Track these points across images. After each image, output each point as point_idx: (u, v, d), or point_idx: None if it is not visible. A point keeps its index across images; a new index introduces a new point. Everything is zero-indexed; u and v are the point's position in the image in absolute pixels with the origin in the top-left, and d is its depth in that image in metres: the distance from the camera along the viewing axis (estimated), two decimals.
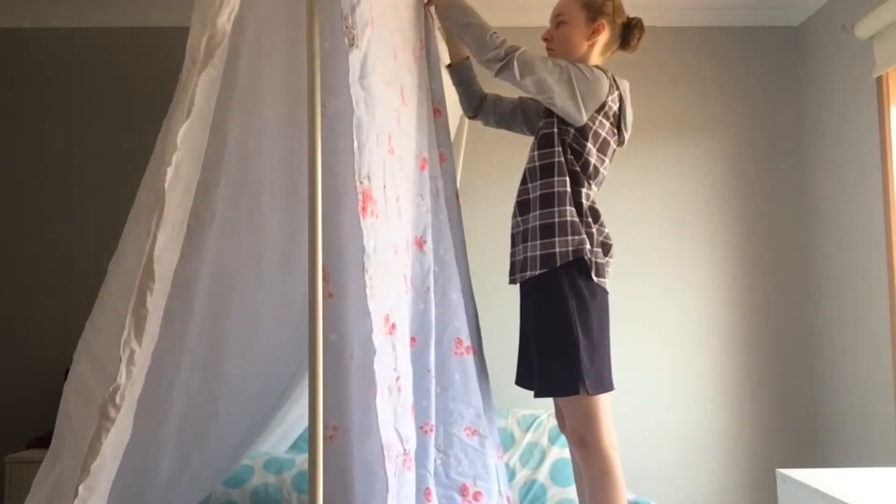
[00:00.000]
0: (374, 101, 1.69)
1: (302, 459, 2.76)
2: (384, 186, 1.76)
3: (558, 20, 2.21)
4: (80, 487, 1.33)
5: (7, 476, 2.93)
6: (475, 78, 2.41)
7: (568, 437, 2.18)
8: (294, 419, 2.93)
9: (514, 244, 2.20)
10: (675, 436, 3.46)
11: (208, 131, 1.60)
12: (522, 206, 2.17)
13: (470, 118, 2.49)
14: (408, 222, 2.00)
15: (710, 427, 3.47)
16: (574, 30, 2.17)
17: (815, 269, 3.53)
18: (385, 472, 1.55)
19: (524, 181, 2.17)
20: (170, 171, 1.37)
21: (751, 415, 3.48)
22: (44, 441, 3.04)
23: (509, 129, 2.43)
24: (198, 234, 2.01)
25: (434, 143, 2.19)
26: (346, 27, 1.63)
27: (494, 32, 2.10)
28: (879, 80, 3.02)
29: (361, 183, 1.61)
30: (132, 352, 1.34)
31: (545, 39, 2.25)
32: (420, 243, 2.07)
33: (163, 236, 1.38)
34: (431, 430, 1.99)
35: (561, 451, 2.94)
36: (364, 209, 1.61)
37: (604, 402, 2.05)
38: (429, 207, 2.11)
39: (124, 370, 1.33)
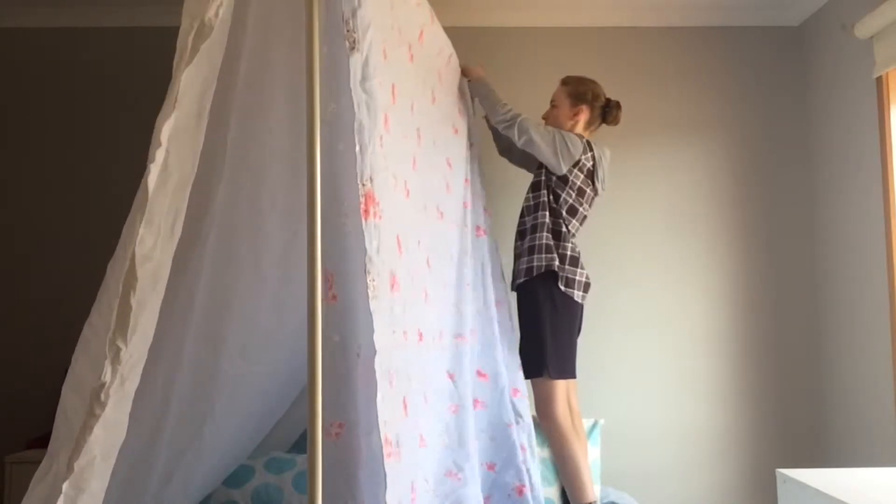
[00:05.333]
0: (376, 103, 1.69)
1: (303, 459, 2.76)
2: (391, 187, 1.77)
3: (552, 104, 2.96)
4: (65, 485, 1.32)
5: (7, 476, 2.93)
6: None
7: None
8: (296, 418, 2.95)
9: (514, 261, 2.86)
10: (675, 436, 3.45)
11: (203, 127, 1.58)
12: (521, 234, 2.86)
13: (500, 154, 3.16)
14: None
15: (711, 427, 3.46)
16: (560, 111, 2.91)
17: (815, 268, 3.52)
18: (383, 467, 1.56)
19: (522, 215, 2.88)
20: (153, 168, 1.36)
21: (751, 415, 3.47)
22: (44, 441, 3.00)
23: (524, 167, 3.08)
24: (197, 235, 2.00)
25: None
26: (348, 31, 1.63)
27: (505, 104, 2.83)
28: (879, 80, 3.01)
29: (364, 185, 1.61)
30: (118, 350, 1.33)
31: (544, 118, 2.95)
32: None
33: (149, 235, 1.37)
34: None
35: None
36: (366, 211, 1.60)
37: (561, 385, 2.70)
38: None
39: (109, 368, 1.32)
